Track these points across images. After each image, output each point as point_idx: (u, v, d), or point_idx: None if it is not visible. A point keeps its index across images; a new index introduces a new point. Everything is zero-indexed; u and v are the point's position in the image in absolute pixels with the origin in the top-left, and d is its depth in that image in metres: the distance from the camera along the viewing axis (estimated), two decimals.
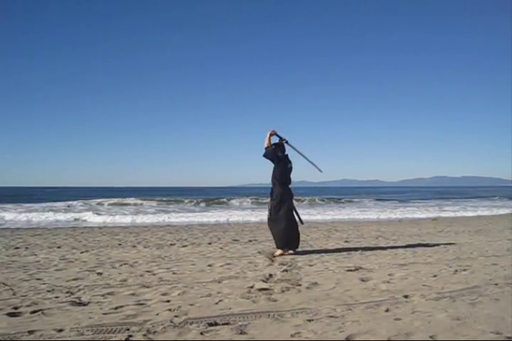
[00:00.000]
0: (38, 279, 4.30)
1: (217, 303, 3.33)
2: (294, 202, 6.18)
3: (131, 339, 2.54)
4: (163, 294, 3.63)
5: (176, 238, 8.40)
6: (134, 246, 7.00)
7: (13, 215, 15.07)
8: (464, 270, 4.75)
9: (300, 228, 6.12)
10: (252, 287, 3.90)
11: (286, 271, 4.73)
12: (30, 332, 2.66)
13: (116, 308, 3.19)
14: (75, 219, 14.48)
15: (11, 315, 3.03)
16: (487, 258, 5.61)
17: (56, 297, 3.54)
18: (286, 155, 6.18)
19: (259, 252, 6.18)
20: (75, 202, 24.22)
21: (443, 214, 17.60)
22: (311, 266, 5.06)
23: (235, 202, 26.38)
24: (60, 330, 2.68)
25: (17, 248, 6.85)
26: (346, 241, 7.71)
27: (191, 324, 2.80)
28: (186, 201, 25.85)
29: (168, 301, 3.40)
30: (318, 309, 3.15)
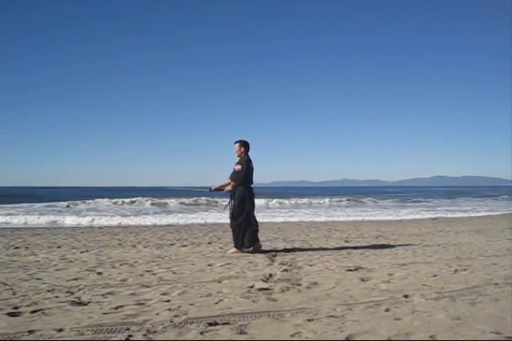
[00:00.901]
0: (38, 279, 4.30)
1: (217, 303, 3.33)
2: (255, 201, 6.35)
3: (131, 339, 2.54)
4: (163, 294, 3.63)
5: (176, 238, 8.41)
6: (134, 246, 7.00)
7: None
8: (464, 270, 4.75)
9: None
10: (252, 287, 3.90)
11: (286, 270, 4.73)
12: (30, 331, 2.65)
13: (116, 308, 3.19)
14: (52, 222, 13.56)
15: (11, 314, 3.03)
16: (487, 258, 5.61)
17: (56, 297, 3.54)
18: (249, 155, 6.24)
19: (259, 252, 6.18)
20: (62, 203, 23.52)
21: (443, 214, 17.60)
22: (311, 265, 5.06)
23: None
24: (60, 330, 2.68)
25: (17, 248, 6.85)
26: (346, 241, 7.72)
27: (191, 324, 2.80)
28: (173, 201, 25.68)
29: (168, 301, 3.40)
30: (318, 309, 3.15)
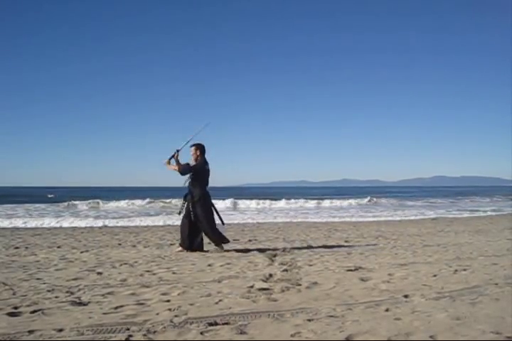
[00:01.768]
0: (38, 279, 4.30)
1: (217, 303, 3.33)
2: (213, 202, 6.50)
3: (131, 339, 2.54)
4: (163, 294, 3.63)
5: (176, 238, 8.39)
6: (134, 246, 7.00)
7: None
8: (464, 270, 4.75)
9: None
10: (252, 287, 3.89)
11: (286, 270, 4.73)
12: (30, 331, 2.65)
13: (116, 308, 3.19)
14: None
15: (11, 314, 3.02)
16: (487, 258, 5.61)
17: (56, 297, 3.54)
18: (205, 157, 6.35)
19: (259, 252, 6.19)
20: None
21: (443, 214, 17.60)
22: (311, 265, 5.06)
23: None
24: (60, 330, 2.68)
25: (17, 248, 6.85)
26: (346, 241, 7.72)
27: (191, 324, 2.80)
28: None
29: (168, 301, 3.40)
30: (318, 309, 3.15)
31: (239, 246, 6.93)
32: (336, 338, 2.55)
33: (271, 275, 4.45)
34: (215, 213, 6.38)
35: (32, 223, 13.03)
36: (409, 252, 6.23)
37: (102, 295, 3.62)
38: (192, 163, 6.32)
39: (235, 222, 13.41)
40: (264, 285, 3.97)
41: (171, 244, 7.25)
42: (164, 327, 2.72)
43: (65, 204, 23.44)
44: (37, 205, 21.93)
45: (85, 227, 11.51)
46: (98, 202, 24.86)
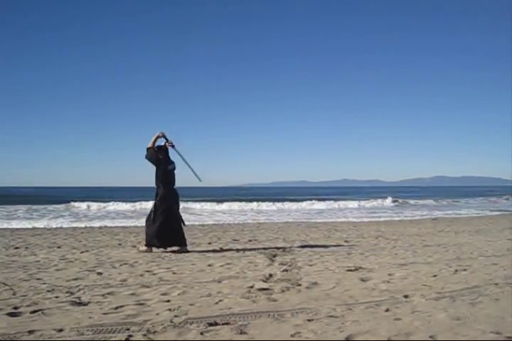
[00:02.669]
0: (38, 279, 4.30)
1: (217, 303, 3.33)
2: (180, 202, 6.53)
3: (131, 339, 2.54)
4: (163, 294, 3.63)
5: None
6: (134, 246, 7.00)
7: None
8: (464, 270, 4.75)
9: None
10: (252, 287, 3.90)
11: (286, 270, 4.73)
12: (30, 332, 2.65)
13: (116, 308, 3.19)
14: None
15: (11, 314, 3.03)
16: (487, 258, 5.61)
17: (56, 297, 3.54)
18: (169, 156, 6.37)
19: (259, 252, 6.19)
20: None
21: (443, 214, 17.61)
22: (311, 265, 5.06)
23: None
24: (60, 330, 2.68)
25: (17, 248, 6.85)
26: (346, 241, 7.72)
27: (191, 324, 2.80)
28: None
29: (168, 301, 3.40)
30: (318, 309, 3.15)
31: (239, 246, 6.93)
32: (335, 338, 2.55)
33: (271, 275, 4.45)
34: (174, 215, 6.29)
35: (32, 223, 13.07)
36: (409, 252, 6.23)
37: (102, 295, 3.62)
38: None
39: (241, 222, 13.47)
40: (264, 285, 3.97)
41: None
42: (164, 327, 2.72)
43: (65, 204, 23.45)
44: (37, 205, 21.92)
45: (85, 227, 11.50)
46: (98, 203, 24.86)
